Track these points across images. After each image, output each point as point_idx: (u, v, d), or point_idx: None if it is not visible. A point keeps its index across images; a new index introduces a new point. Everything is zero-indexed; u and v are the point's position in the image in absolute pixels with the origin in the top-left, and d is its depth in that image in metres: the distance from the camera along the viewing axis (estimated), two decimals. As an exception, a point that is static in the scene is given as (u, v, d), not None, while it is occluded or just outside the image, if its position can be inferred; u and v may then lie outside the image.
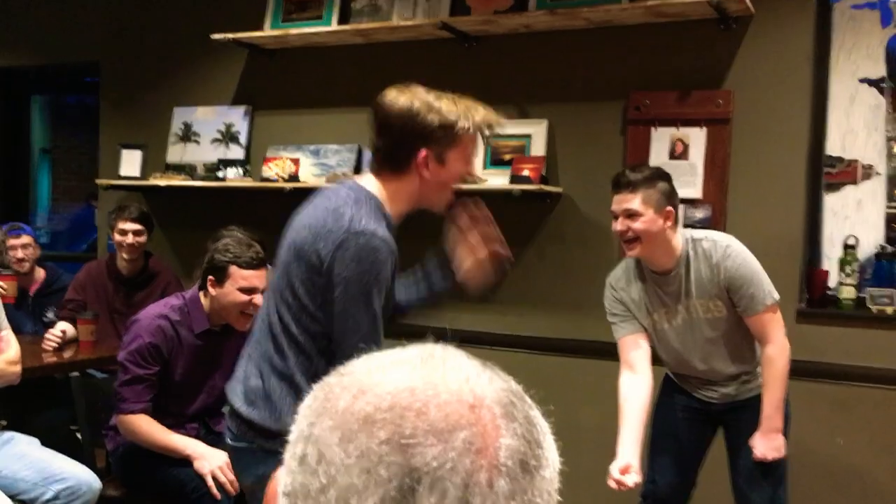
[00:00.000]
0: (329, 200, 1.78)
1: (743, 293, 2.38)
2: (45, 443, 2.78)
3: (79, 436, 3.02)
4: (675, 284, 2.45)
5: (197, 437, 2.72)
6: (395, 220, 1.80)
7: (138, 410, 2.63)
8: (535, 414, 0.61)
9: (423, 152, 1.73)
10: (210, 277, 2.65)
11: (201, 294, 2.72)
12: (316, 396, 0.59)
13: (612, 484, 2.34)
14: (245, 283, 2.61)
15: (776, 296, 2.42)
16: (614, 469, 2.35)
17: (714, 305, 2.43)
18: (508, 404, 0.58)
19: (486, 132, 1.79)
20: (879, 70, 3.13)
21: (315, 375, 1.83)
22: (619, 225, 2.40)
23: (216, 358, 2.74)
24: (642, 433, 2.46)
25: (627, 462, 2.36)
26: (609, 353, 3.10)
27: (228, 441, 1.90)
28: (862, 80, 3.15)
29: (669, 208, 2.39)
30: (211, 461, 2.58)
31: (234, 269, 2.61)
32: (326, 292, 1.72)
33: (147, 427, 2.63)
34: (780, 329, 2.44)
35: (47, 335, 3.39)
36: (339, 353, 1.70)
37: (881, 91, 3.13)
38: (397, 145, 1.75)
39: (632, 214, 2.37)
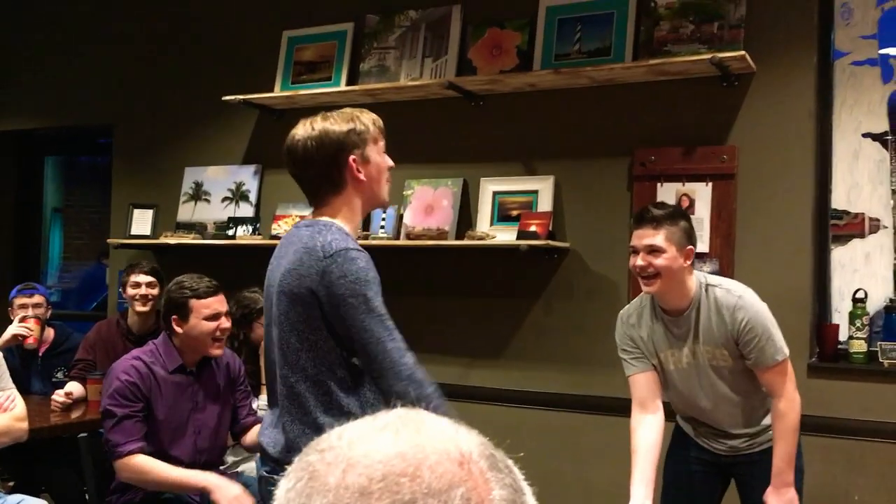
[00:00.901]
0: (296, 244, 1.91)
1: (753, 346, 2.36)
2: (59, 500, 2.76)
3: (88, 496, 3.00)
4: (684, 327, 2.44)
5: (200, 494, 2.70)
6: (354, 233, 1.98)
7: (136, 450, 2.63)
8: (511, 462, 0.62)
9: (351, 158, 1.92)
10: (173, 317, 2.75)
11: (169, 338, 2.79)
12: (299, 477, 0.58)
13: None
14: (208, 310, 2.73)
15: (787, 351, 2.40)
16: None
17: (720, 353, 2.42)
18: (491, 456, 0.59)
19: (380, 125, 2.01)
20: (882, 125, 3.16)
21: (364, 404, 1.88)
22: (640, 260, 2.37)
23: (196, 395, 2.78)
24: (654, 473, 2.43)
25: (642, 503, 2.34)
26: (619, 408, 3.09)
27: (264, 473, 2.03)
28: (865, 135, 3.18)
29: (690, 247, 2.39)
30: (227, 492, 2.57)
31: (193, 301, 2.73)
32: (332, 320, 1.86)
33: (150, 463, 2.63)
34: (790, 383, 2.42)
35: (55, 396, 3.39)
36: (376, 365, 1.84)
37: (885, 145, 3.16)
38: (327, 166, 1.93)
39: (654, 250, 2.36)
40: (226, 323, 2.77)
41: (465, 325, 3.65)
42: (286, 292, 1.89)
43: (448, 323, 3.68)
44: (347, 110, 2.00)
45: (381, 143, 2.00)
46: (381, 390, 1.86)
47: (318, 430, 1.79)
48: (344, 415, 1.84)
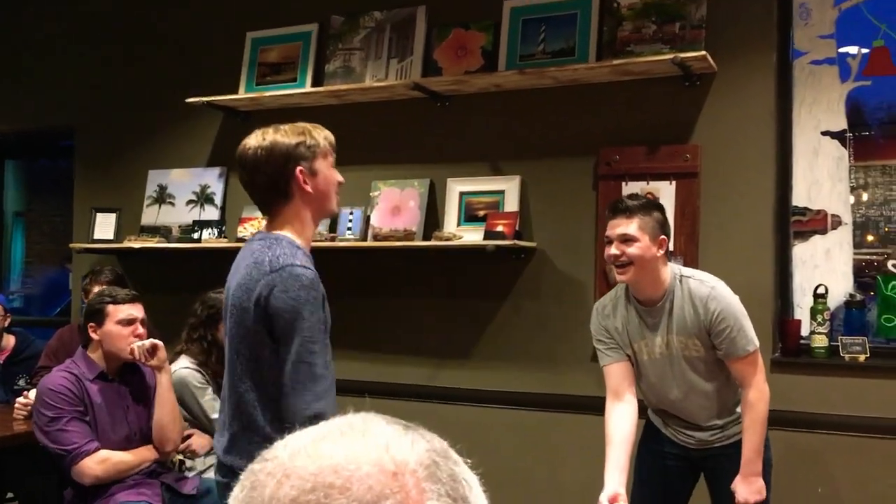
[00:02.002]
0: (248, 258, 1.98)
1: (725, 336, 2.40)
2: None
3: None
4: (658, 317, 2.47)
5: (162, 500, 2.72)
6: (307, 244, 2.03)
7: (93, 449, 2.68)
8: (461, 469, 0.60)
9: (298, 169, 1.97)
10: (90, 324, 2.83)
11: (87, 351, 2.86)
12: (243, 486, 0.59)
13: None
14: (122, 315, 2.82)
15: (757, 343, 2.46)
16: (604, 499, 2.36)
17: (693, 344, 2.45)
18: (431, 465, 0.58)
19: (331, 141, 2.06)
20: (840, 123, 3.22)
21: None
22: (613, 249, 2.42)
23: (125, 399, 2.86)
24: (628, 461, 2.47)
25: (615, 491, 2.37)
26: (588, 406, 3.11)
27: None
28: (824, 133, 3.23)
29: (663, 237, 2.44)
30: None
31: (110, 307, 2.82)
32: (273, 335, 1.90)
33: (111, 454, 2.71)
34: (760, 374, 2.46)
35: (17, 404, 3.34)
36: (287, 381, 1.87)
37: (843, 143, 3.22)
38: (277, 174, 1.97)
39: (627, 239, 2.40)
40: (140, 329, 2.83)
41: (433, 325, 3.65)
42: (236, 305, 1.95)
43: (416, 323, 3.68)
44: (301, 125, 2.06)
45: (331, 159, 2.05)
46: (284, 407, 1.88)
47: (265, 439, 1.81)
48: (288, 426, 1.86)
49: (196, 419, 3.05)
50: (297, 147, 1.99)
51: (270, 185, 1.99)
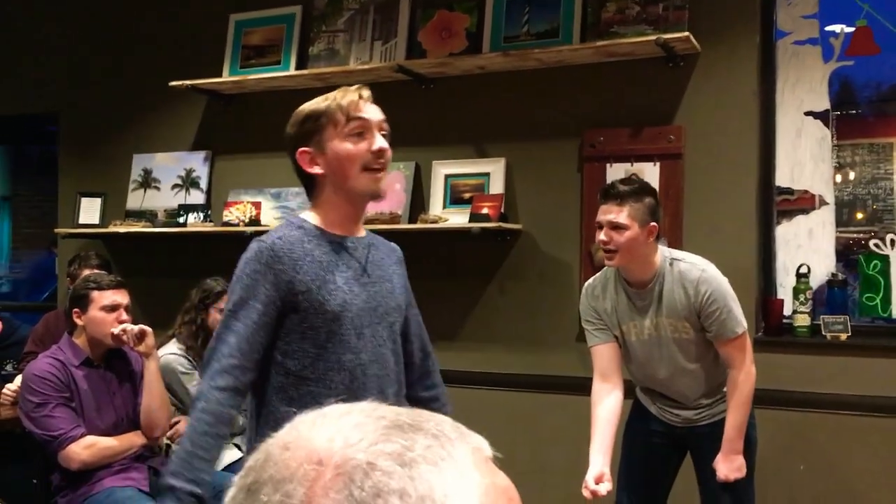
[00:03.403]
0: None
1: (715, 319, 2.42)
2: (8, 497, 2.76)
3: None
4: (647, 299, 2.49)
5: (149, 484, 2.74)
6: (331, 225, 1.80)
7: (79, 434, 2.69)
8: (397, 488, 0.55)
9: (299, 152, 1.77)
10: (75, 310, 2.83)
11: (72, 337, 2.86)
12: (253, 462, 0.61)
13: (587, 493, 2.37)
14: (106, 301, 2.79)
15: (745, 325, 2.48)
16: (590, 478, 2.38)
17: (682, 326, 2.47)
18: (357, 469, 0.55)
19: (353, 100, 1.75)
20: (823, 103, 3.23)
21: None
22: (602, 235, 2.43)
23: (111, 385, 2.86)
24: (613, 442, 2.50)
25: (601, 471, 2.41)
26: (571, 387, 3.14)
27: None
28: (807, 113, 3.24)
29: (653, 224, 2.44)
30: None
31: (94, 293, 2.81)
32: None
33: (98, 440, 2.72)
34: (747, 355, 2.49)
35: (4, 390, 3.35)
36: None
37: (826, 123, 3.23)
38: (292, 163, 1.81)
39: (617, 227, 2.40)
40: (125, 316, 2.81)
41: (418, 307, 3.66)
42: None
43: (403, 306, 3.68)
44: (325, 95, 1.79)
45: (350, 125, 1.73)
46: None
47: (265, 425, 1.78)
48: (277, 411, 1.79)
49: (184, 405, 3.06)
50: (302, 125, 1.76)
51: (293, 168, 1.82)
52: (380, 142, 1.75)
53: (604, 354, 2.56)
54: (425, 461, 0.56)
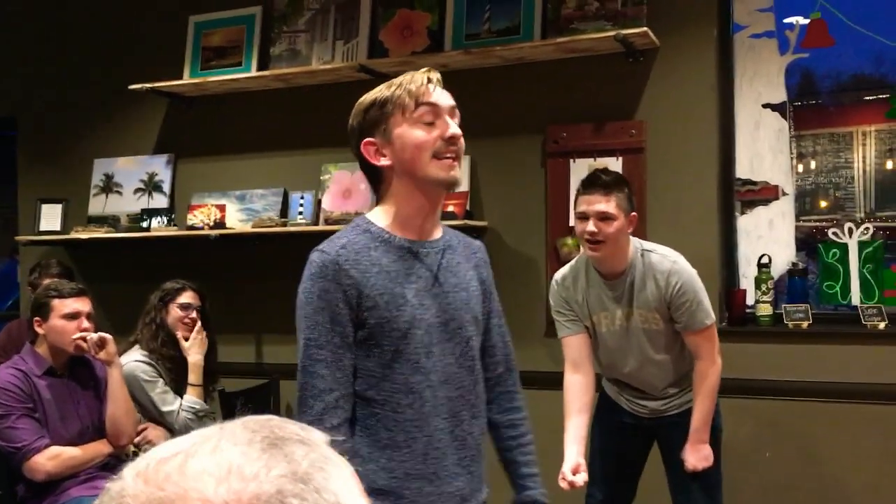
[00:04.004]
0: None
1: (685, 310, 2.45)
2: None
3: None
4: (619, 290, 2.51)
5: None
6: (402, 225, 1.63)
7: (43, 445, 2.65)
8: (334, 492, 0.54)
9: (363, 143, 1.61)
10: (36, 319, 2.80)
11: (34, 347, 2.84)
12: None
13: (564, 485, 2.39)
14: (66, 309, 2.77)
15: (713, 317, 2.52)
16: (567, 470, 2.40)
17: (652, 317, 2.50)
18: (274, 496, 0.51)
19: (422, 85, 1.60)
20: (780, 95, 3.28)
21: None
22: (591, 226, 2.41)
23: (75, 394, 2.83)
24: (587, 431, 2.52)
25: (577, 461, 2.43)
26: (540, 381, 3.15)
27: None
28: (765, 106, 3.29)
29: (634, 213, 2.48)
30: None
31: (55, 301, 2.78)
32: None
33: (63, 450, 2.69)
34: (715, 347, 2.53)
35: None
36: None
37: (784, 115, 3.28)
38: (357, 156, 1.65)
39: (606, 217, 2.41)
40: (86, 324, 2.78)
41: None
42: None
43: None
44: (389, 81, 1.64)
45: (420, 111, 1.58)
46: None
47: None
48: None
49: (148, 412, 3.03)
50: (365, 116, 1.61)
51: (359, 163, 1.66)
52: (453, 128, 1.60)
53: (575, 345, 2.58)
54: (316, 470, 0.54)
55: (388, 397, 1.57)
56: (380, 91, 1.62)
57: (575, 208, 2.51)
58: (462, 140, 1.62)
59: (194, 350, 3.12)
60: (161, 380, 3.06)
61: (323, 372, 1.54)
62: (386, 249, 1.59)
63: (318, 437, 0.58)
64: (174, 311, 3.16)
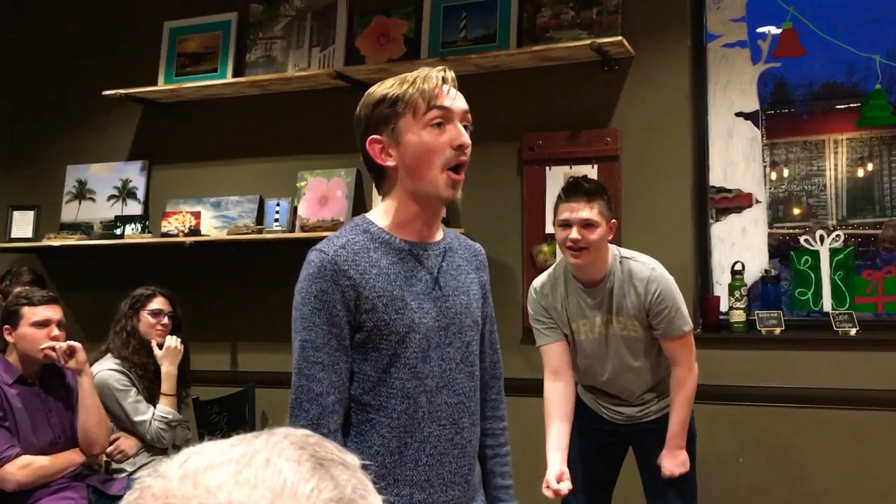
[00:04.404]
0: None
1: (663, 317, 2.46)
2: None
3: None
4: (599, 297, 2.51)
5: (88, 502, 2.68)
6: (402, 226, 1.58)
7: (14, 455, 2.62)
8: None
9: (369, 140, 1.55)
10: (6, 327, 2.78)
11: (4, 355, 2.81)
12: (129, 500, 0.54)
13: (549, 493, 2.39)
14: (36, 317, 2.75)
15: (691, 324, 2.54)
16: (551, 477, 2.39)
17: (631, 324, 2.51)
18: None
19: (436, 86, 1.53)
20: (753, 104, 3.32)
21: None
22: (574, 233, 2.41)
23: (47, 402, 2.80)
24: (568, 438, 2.52)
25: (560, 469, 2.42)
26: (518, 389, 3.15)
27: None
28: (738, 114, 3.33)
29: (614, 220, 2.50)
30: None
31: (25, 309, 2.77)
32: None
33: (35, 459, 2.66)
34: (691, 354, 2.55)
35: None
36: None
37: (756, 123, 3.32)
38: (362, 151, 1.58)
39: (589, 225, 2.41)
40: (56, 332, 2.76)
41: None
42: None
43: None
44: (402, 77, 1.57)
45: (431, 113, 1.51)
46: None
47: None
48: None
49: (120, 422, 3.00)
50: (376, 108, 1.54)
51: (363, 158, 1.59)
52: (463, 136, 1.54)
53: (554, 353, 2.58)
54: (359, 497, 0.54)
55: (384, 402, 1.54)
56: (392, 86, 1.55)
57: (556, 216, 2.50)
58: (469, 149, 1.57)
59: (168, 360, 3.09)
60: (134, 388, 3.02)
61: (320, 375, 1.49)
62: (386, 251, 1.55)
63: (354, 462, 0.58)
64: (145, 318, 3.13)
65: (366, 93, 1.58)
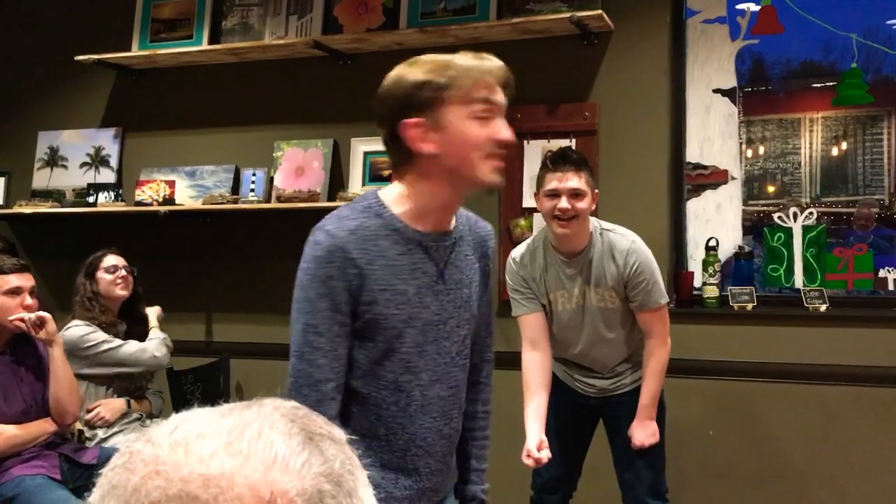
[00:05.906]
0: None
1: (641, 289, 2.49)
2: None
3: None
4: (578, 268, 2.53)
5: (60, 471, 2.66)
6: (419, 216, 1.52)
7: None
8: (360, 498, 0.54)
9: (407, 122, 1.47)
10: None
11: None
12: (116, 462, 0.54)
13: (530, 462, 2.42)
14: (7, 285, 2.70)
15: (667, 297, 2.57)
16: (532, 446, 2.42)
17: (609, 296, 2.53)
18: (314, 496, 0.51)
19: (489, 81, 1.49)
20: (731, 81, 3.33)
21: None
22: (564, 202, 2.41)
23: (18, 372, 2.76)
24: (546, 407, 2.55)
25: (540, 438, 2.45)
26: (498, 362, 3.17)
27: None
28: (715, 91, 3.34)
29: (597, 191, 2.53)
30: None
31: None
32: None
33: (7, 431, 2.63)
34: (665, 326, 2.59)
35: None
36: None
37: (733, 100, 3.33)
38: (388, 130, 1.50)
39: (577, 194, 2.43)
40: (28, 300, 2.72)
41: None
42: None
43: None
44: (449, 56, 1.50)
45: (476, 107, 1.47)
46: None
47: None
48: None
49: (102, 365, 3.01)
50: (419, 89, 1.46)
51: (387, 136, 1.51)
52: (508, 133, 1.52)
53: (532, 323, 2.60)
54: (347, 472, 0.54)
55: (374, 392, 1.52)
56: (436, 70, 1.47)
57: (542, 186, 2.49)
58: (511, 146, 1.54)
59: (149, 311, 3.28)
60: (99, 329, 3.03)
61: (321, 361, 1.47)
62: (395, 240, 1.50)
63: (342, 436, 0.58)
64: (103, 277, 3.13)
65: (397, 72, 1.50)
